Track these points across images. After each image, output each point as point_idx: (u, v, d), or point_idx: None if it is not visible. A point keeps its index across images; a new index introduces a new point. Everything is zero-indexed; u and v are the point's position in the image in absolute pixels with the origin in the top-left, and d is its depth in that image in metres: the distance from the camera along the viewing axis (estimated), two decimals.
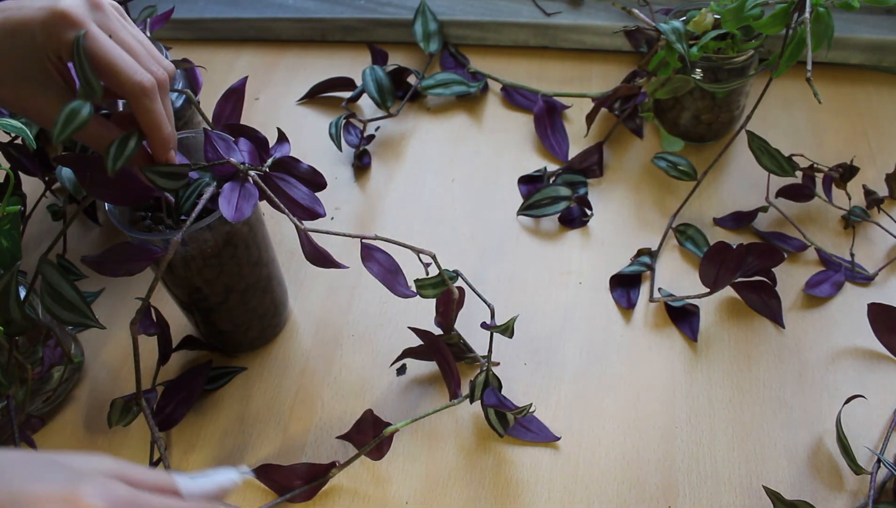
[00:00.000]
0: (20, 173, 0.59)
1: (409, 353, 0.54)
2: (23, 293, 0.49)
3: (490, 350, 0.51)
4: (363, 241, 0.47)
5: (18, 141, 0.59)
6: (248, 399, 0.55)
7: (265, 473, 0.49)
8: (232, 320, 0.53)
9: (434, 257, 0.47)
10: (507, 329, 0.49)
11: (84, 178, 0.44)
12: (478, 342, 0.55)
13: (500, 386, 0.51)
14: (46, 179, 0.61)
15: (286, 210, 0.45)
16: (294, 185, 0.46)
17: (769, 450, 0.49)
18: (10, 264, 0.52)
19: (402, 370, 0.55)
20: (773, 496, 0.46)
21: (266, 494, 0.50)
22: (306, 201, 0.46)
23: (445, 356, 0.50)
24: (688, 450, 0.50)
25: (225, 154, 0.46)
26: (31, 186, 0.66)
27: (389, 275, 0.47)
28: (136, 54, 0.41)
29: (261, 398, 0.55)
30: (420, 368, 0.56)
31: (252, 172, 0.45)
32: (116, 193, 0.45)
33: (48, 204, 0.64)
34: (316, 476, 0.48)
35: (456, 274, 0.50)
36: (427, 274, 0.49)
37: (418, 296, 0.48)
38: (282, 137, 0.51)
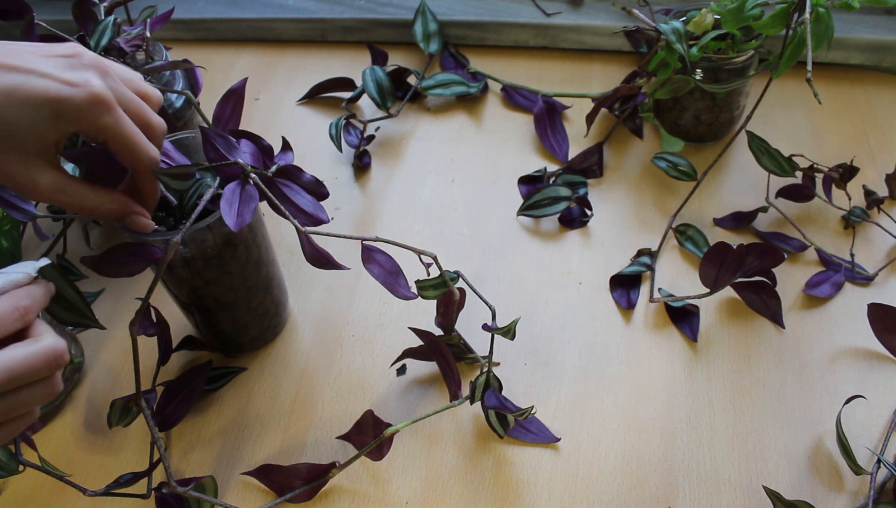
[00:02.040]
0: None
1: (409, 353, 0.54)
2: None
3: (491, 352, 0.51)
4: (364, 243, 0.47)
5: None
6: (248, 400, 0.55)
7: (265, 473, 0.49)
8: (232, 320, 0.53)
9: (435, 258, 0.47)
10: (509, 331, 0.49)
11: (87, 173, 0.44)
12: (478, 342, 0.55)
13: (500, 387, 0.51)
14: None
15: (288, 213, 0.45)
16: (298, 192, 0.46)
17: (769, 450, 0.49)
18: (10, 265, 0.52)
19: (402, 371, 0.55)
20: (773, 496, 0.46)
21: (266, 494, 0.50)
22: (310, 208, 0.46)
23: (446, 356, 0.50)
24: (688, 450, 0.50)
25: (226, 153, 0.46)
26: None
27: (390, 277, 0.47)
28: (139, 119, 0.42)
29: (261, 399, 0.55)
30: (420, 368, 0.56)
31: (254, 175, 0.45)
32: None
33: (48, 204, 0.64)
34: (316, 476, 0.48)
35: (457, 275, 0.49)
36: (428, 275, 0.49)
37: (419, 297, 0.48)
38: (286, 146, 0.51)
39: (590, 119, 0.68)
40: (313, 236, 0.45)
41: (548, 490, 0.49)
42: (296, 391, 0.55)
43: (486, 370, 0.50)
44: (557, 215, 0.65)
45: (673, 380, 0.53)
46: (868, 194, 0.61)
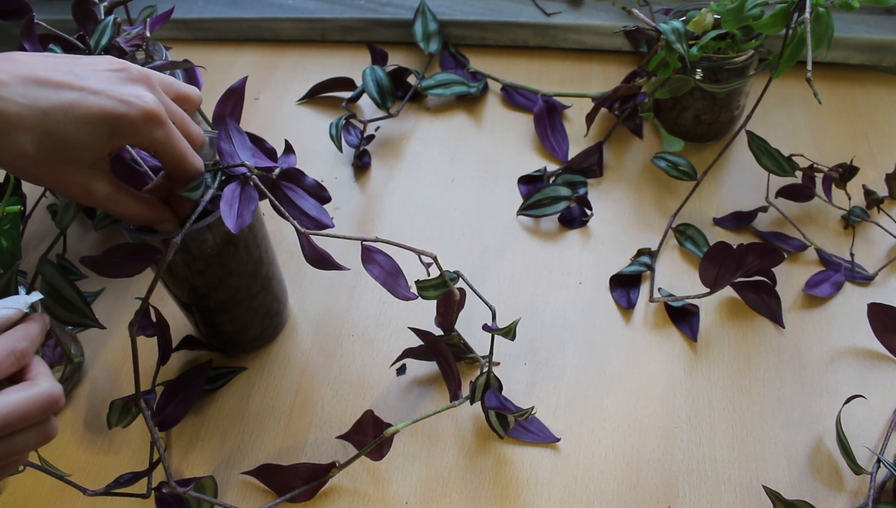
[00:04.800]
0: None
1: (409, 353, 0.54)
2: (23, 293, 0.49)
3: (491, 352, 0.51)
4: (363, 243, 0.47)
5: None
6: (247, 399, 0.55)
7: (265, 473, 0.49)
8: (232, 320, 0.53)
9: (435, 259, 0.47)
10: (510, 332, 0.49)
11: None
12: (478, 341, 0.55)
13: (500, 387, 0.51)
14: None
15: (288, 216, 0.45)
16: (302, 196, 0.46)
17: (769, 450, 0.49)
18: (10, 264, 0.52)
19: (401, 370, 0.55)
20: (773, 496, 0.46)
21: (266, 494, 0.50)
22: (314, 212, 0.46)
23: (446, 356, 0.50)
24: (688, 450, 0.50)
25: (239, 150, 0.46)
26: (31, 186, 0.66)
27: (390, 278, 0.47)
28: (181, 129, 0.43)
29: (261, 398, 0.55)
30: (420, 368, 0.56)
31: (255, 176, 0.45)
32: None
33: (48, 204, 0.64)
34: (316, 476, 0.48)
35: (457, 275, 0.49)
36: (428, 275, 0.48)
37: (419, 298, 0.48)
38: (288, 149, 0.51)
39: (590, 119, 0.68)
40: (313, 237, 0.45)
41: (548, 489, 0.49)
42: (296, 391, 0.55)
43: (486, 370, 0.50)
44: (557, 215, 0.65)
45: (673, 380, 0.53)
46: (868, 193, 0.61)
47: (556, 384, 0.54)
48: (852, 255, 0.59)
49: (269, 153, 0.49)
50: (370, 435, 0.48)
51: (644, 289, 0.59)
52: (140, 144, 0.40)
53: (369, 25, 0.82)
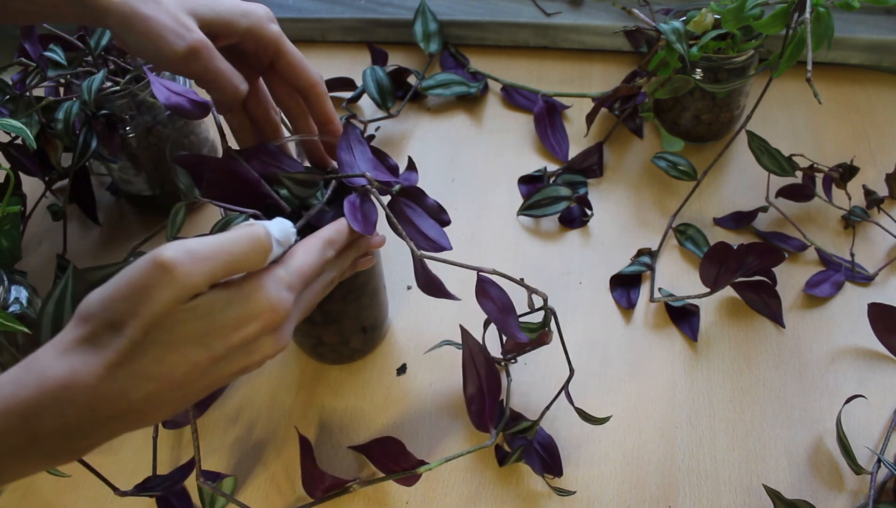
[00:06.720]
0: (20, 173, 0.59)
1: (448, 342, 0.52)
2: (24, 295, 0.49)
3: (545, 412, 0.49)
4: (480, 274, 0.44)
5: (18, 141, 0.59)
6: (250, 398, 0.55)
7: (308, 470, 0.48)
8: (338, 331, 0.52)
9: (545, 299, 0.44)
10: (598, 421, 0.48)
11: (201, 179, 0.43)
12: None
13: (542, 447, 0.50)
14: (46, 179, 0.61)
15: (406, 236, 0.42)
16: (421, 215, 0.44)
17: (769, 450, 0.49)
18: (10, 264, 0.52)
19: (402, 370, 0.55)
20: (774, 495, 0.46)
21: (279, 494, 0.49)
22: (432, 233, 0.43)
23: (494, 393, 0.47)
24: (688, 450, 0.50)
25: (360, 161, 0.44)
26: (31, 186, 0.66)
27: (502, 314, 0.43)
28: None
29: (264, 398, 0.55)
30: (443, 380, 0.55)
31: (375, 190, 0.42)
32: (232, 194, 0.43)
33: (48, 204, 0.64)
34: (335, 487, 0.47)
35: (552, 314, 0.46)
36: (531, 307, 0.45)
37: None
38: (411, 166, 0.49)
39: (590, 119, 0.68)
40: (427, 262, 0.43)
41: (548, 490, 0.49)
42: (299, 391, 0.55)
43: (533, 426, 0.49)
44: (557, 215, 0.65)
45: (673, 380, 0.53)
46: (868, 193, 0.61)
47: (556, 384, 0.54)
48: (852, 255, 0.59)
49: (392, 169, 0.47)
50: (399, 464, 0.46)
51: (644, 289, 0.59)
52: (259, 34, 0.43)
53: (369, 25, 0.82)
